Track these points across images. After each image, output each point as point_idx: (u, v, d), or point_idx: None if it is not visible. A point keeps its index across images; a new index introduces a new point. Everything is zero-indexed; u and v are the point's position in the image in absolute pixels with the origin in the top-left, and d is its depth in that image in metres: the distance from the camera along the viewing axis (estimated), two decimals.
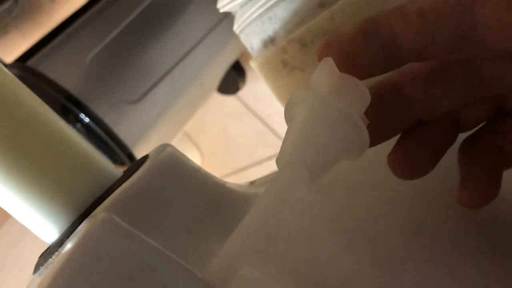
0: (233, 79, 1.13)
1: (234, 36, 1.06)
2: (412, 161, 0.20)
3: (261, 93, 1.19)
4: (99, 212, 0.16)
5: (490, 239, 0.20)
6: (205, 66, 0.95)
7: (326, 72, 0.18)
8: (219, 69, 1.02)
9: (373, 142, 0.19)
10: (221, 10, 0.35)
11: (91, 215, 0.18)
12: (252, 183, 0.26)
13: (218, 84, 1.05)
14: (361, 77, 0.18)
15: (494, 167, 0.20)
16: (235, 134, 1.30)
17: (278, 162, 0.17)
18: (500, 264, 0.19)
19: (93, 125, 0.72)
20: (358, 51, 0.17)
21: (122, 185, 0.20)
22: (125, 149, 0.76)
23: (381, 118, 0.19)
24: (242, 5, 0.33)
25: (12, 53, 0.84)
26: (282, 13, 0.30)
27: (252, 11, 0.31)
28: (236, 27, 0.35)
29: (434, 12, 0.16)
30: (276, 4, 0.30)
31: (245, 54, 1.10)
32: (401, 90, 0.19)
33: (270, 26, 0.31)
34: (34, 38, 0.83)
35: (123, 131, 0.76)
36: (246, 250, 0.15)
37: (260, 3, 0.30)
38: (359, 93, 0.18)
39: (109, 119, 0.74)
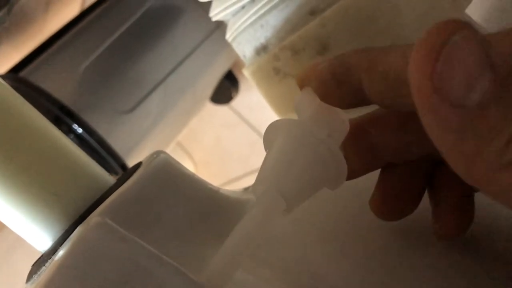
0: (226, 89, 1.13)
1: (226, 46, 1.07)
2: (392, 207, 0.20)
3: (254, 103, 1.19)
4: (93, 217, 0.16)
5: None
6: (198, 76, 0.95)
7: (306, 101, 0.18)
8: (212, 78, 1.02)
9: (348, 177, 0.19)
10: (214, 19, 0.35)
11: (84, 221, 0.18)
12: (246, 189, 0.26)
13: (211, 94, 1.06)
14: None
15: (462, 198, 0.19)
16: (228, 144, 1.30)
17: (254, 189, 0.17)
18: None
19: (86, 135, 0.72)
20: (331, 93, 0.18)
21: (116, 192, 0.20)
22: (118, 159, 0.76)
23: (351, 159, 0.19)
24: (234, 14, 0.33)
25: (4, 64, 0.84)
26: (274, 20, 0.30)
27: (244, 19, 0.31)
28: (229, 36, 0.35)
29: (396, 77, 0.15)
30: (268, 12, 0.30)
31: (238, 63, 1.11)
32: (369, 135, 0.19)
33: (262, 34, 0.31)
34: (26, 49, 0.83)
35: (116, 141, 0.76)
36: (239, 258, 0.15)
37: (252, 11, 0.31)
38: (338, 122, 0.18)
39: (102, 129, 0.74)
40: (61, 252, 0.14)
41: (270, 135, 0.18)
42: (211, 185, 0.24)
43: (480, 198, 0.19)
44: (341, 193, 0.24)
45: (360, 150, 0.19)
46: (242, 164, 1.25)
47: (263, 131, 0.18)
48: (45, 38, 0.85)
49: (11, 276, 1.16)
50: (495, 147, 0.12)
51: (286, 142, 0.17)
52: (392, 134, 0.19)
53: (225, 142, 1.30)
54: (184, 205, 0.21)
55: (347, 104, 0.18)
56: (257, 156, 1.20)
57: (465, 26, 0.13)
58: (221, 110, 1.23)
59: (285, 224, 0.22)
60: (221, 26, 0.94)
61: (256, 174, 0.17)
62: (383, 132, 0.19)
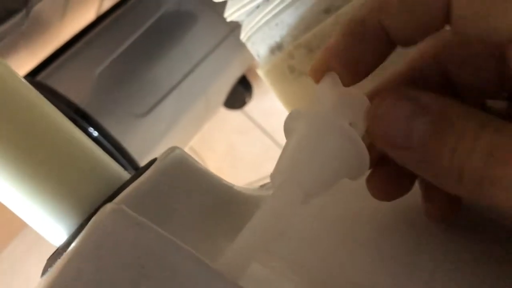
0: (239, 94, 1.13)
1: (240, 51, 1.07)
2: (387, 186, 0.20)
3: (267, 108, 1.19)
4: (108, 205, 0.16)
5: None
6: (212, 81, 0.96)
7: (326, 89, 0.18)
8: (225, 84, 1.03)
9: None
10: (228, 19, 0.36)
11: (100, 209, 0.18)
12: (262, 186, 0.26)
13: (224, 99, 1.06)
14: (361, 76, 0.18)
15: None
16: (241, 149, 1.30)
17: (273, 178, 0.17)
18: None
19: (101, 138, 0.73)
20: (355, 53, 0.18)
21: (131, 185, 0.20)
22: (133, 163, 0.76)
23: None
24: (249, 14, 0.33)
25: (22, 68, 0.85)
26: (289, 19, 0.30)
27: (259, 18, 0.31)
28: (243, 35, 0.35)
29: None
30: (283, 10, 0.30)
31: (252, 68, 1.11)
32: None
33: (277, 32, 0.31)
34: (43, 54, 0.84)
35: (130, 145, 0.76)
36: (256, 247, 0.15)
37: (267, 10, 0.31)
38: (361, 109, 0.17)
39: (117, 132, 0.74)
40: (76, 240, 0.14)
41: (291, 124, 0.18)
42: (225, 181, 0.24)
43: None
44: (356, 194, 0.23)
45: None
46: (256, 169, 1.25)
47: (276, 137, 0.17)
48: (61, 43, 0.86)
49: (24, 283, 1.17)
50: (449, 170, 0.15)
51: (306, 132, 0.17)
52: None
53: (238, 147, 1.30)
54: (198, 199, 0.21)
55: (375, 58, 0.18)
56: (270, 161, 1.19)
57: (396, 91, 0.17)
58: (234, 115, 1.24)
59: (303, 222, 0.22)
60: (235, 31, 0.94)
61: (266, 183, 0.17)
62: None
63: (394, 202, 0.21)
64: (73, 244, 0.14)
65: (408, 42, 0.18)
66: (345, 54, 0.17)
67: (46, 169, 0.21)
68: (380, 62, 0.18)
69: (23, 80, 0.23)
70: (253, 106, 1.20)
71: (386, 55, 0.18)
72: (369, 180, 0.20)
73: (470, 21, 0.15)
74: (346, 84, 0.18)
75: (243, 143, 1.29)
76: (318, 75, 0.18)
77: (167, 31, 0.89)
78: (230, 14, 0.34)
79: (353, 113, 0.17)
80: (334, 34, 0.18)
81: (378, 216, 0.22)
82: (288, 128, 0.18)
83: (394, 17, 0.17)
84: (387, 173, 0.20)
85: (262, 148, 1.24)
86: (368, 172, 0.20)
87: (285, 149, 0.17)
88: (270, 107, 1.17)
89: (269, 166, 0.17)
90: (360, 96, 0.18)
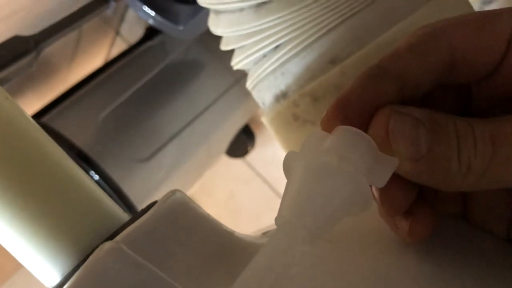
0: (242, 143, 1.14)
1: (244, 101, 1.08)
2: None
3: (269, 158, 1.19)
4: (106, 244, 0.15)
5: None
6: (215, 130, 0.96)
7: (315, 138, 0.18)
8: (228, 133, 1.03)
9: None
10: (235, 68, 0.36)
11: (97, 248, 0.17)
12: (264, 233, 0.26)
13: (227, 147, 1.06)
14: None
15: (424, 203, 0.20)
16: (241, 199, 1.29)
17: (276, 222, 0.17)
18: None
19: (102, 182, 0.72)
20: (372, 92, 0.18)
21: (130, 226, 0.20)
22: (132, 208, 0.75)
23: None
24: (255, 62, 0.34)
25: (27, 111, 0.86)
26: (295, 68, 0.31)
27: (266, 66, 0.32)
28: (249, 83, 0.35)
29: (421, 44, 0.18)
30: (289, 60, 0.31)
31: (255, 118, 1.12)
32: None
33: (283, 81, 0.32)
34: (49, 98, 0.85)
35: (131, 190, 0.76)
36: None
37: (273, 59, 0.31)
38: (362, 145, 0.17)
39: (118, 177, 0.74)
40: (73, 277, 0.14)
41: (288, 165, 0.17)
42: (226, 226, 0.24)
43: None
44: (356, 242, 0.23)
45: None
46: (255, 220, 1.24)
47: (277, 187, 0.17)
48: (67, 88, 0.87)
49: None
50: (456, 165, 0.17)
51: (306, 171, 0.16)
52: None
53: (238, 196, 1.29)
54: (198, 244, 0.20)
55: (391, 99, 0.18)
56: (270, 212, 1.18)
57: (387, 109, 0.17)
58: (236, 164, 1.23)
59: (302, 271, 0.22)
60: (240, 81, 0.96)
61: (269, 231, 0.16)
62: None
63: (401, 258, 0.21)
64: (68, 282, 0.14)
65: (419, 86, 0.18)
66: (361, 94, 0.18)
67: (44, 208, 0.21)
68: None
69: (28, 116, 0.23)
70: (255, 156, 1.21)
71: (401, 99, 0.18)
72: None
73: None
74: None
75: (243, 193, 1.28)
76: (333, 123, 0.18)
77: (173, 79, 0.90)
78: (237, 62, 0.35)
79: (352, 149, 0.17)
80: (349, 84, 0.18)
81: (383, 269, 0.22)
82: (287, 167, 0.17)
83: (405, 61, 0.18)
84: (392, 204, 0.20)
85: (262, 199, 1.23)
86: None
87: (285, 192, 0.17)
88: (272, 157, 1.17)
89: (269, 218, 0.17)
90: (358, 132, 0.18)
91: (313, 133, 0.18)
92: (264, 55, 0.33)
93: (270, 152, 1.17)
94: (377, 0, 0.29)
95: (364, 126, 0.18)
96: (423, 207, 0.20)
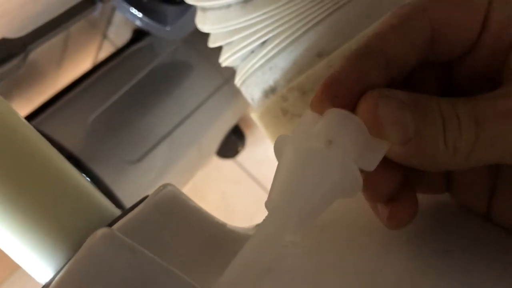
0: (232, 143, 1.14)
1: (234, 101, 1.08)
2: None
3: (260, 158, 1.19)
4: (100, 230, 0.16)
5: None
6: (204, 131, 0.97)
7: (307, 120, 0.18)
8: (218, 134, 1.03)
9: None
10: (223, 65, 0.36)
11: (91, 235, 0.18)
12: (257, 225, 0.26)
13: (217, 148, 1.06)
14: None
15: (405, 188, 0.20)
16: (233, 199, 1.29)
17: (267, 207, 0.17)
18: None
19: (92, 184, 0.72)
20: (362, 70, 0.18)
21: (121, 219, 0.20)
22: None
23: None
24: (243, 58, 0.34)
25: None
26: (283, 63, 0.31)
27: (254, 62, 0.32)
28: (238, 80, 0.36)
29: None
30: (276, 54, 0.31)
31: (245, 118, 1.12)
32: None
33: (271, 76, 0.32)
34: (38, 102, 0.85)
35: (121, 191, 0.76)
36: (248, 274, 0.15)
37: (261, 55, 0.32)
38: (352, 128, 0.17)
39: (108, 179, 0.74)
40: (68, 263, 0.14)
41: (279, 148, 0.18)
42: (217, 219, 0.24)
43: None
44: (348, 229, 0.23)
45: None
46: (247, 220, 1.24)
47: (269, 186, 0.17)
48: (56, 92, 0.87)
49: None
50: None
51: (295, 155, 0.17)
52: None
53: (230, 197, 1.29)
54: (190, 234, 0.21)
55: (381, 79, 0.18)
56: (262, 212, 1.18)
57: (373, 92, 0.17)
58: (227, 164, 1.23)
59: (295, 259, 0.22)
60: (229, 81, 0.96)
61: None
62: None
63: (392, 243, 0.21)
64: (63, 269, 0.14)
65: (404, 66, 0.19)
66: (350, 73, 0.18)
67: (36, 203, 0.21)
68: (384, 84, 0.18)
69: (16, 113, 0.23)
70: (245, 156, 1.21)
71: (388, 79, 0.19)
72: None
73: None
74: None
75: (235, 193, 1.28)
76: (323, 103, 0.18)
77: (162, 81, 0.90)
78: (225, 59, 0.35)
79: (342, 132, 0.17)
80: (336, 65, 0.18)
81: (375, 254, 0.22)
82: (277, 152, 0.18)
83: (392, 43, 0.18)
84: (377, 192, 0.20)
85: (254, 199, 1.23)
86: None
87: (275, 176, 0.17)
88: (262, 156, 1.18)
89: (261, 217, 0.17)
90: (350, 115, 0.17)
91: (305, 115, 0.18)
92: (252, 51, 0.33)
93: (261, 152, 1.17)
94: None
95: (353, 105, 0.18)
96: (406, 194, 0.20)
